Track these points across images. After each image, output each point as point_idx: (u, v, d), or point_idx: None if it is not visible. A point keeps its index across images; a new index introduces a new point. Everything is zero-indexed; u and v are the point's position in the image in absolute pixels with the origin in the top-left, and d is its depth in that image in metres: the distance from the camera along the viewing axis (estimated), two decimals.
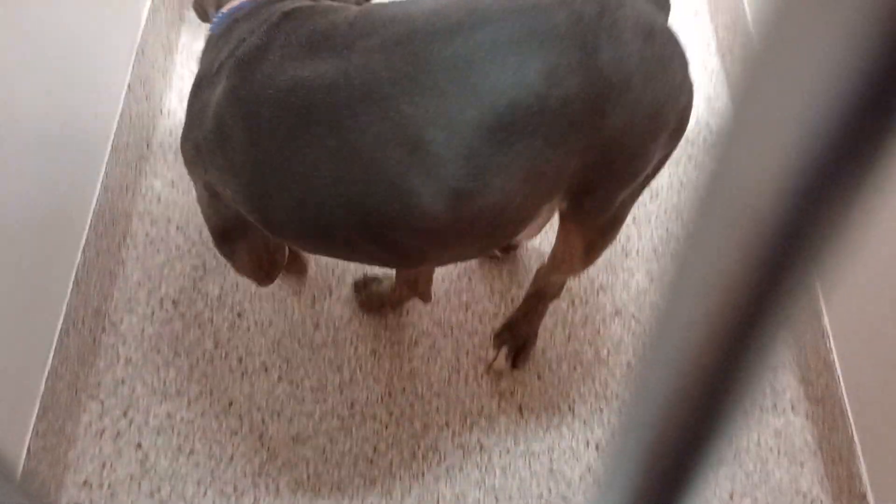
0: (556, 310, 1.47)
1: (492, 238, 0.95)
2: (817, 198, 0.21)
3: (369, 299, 1.45)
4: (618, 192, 1.01)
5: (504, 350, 1.39)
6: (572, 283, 1.50)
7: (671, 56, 0.93)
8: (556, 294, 1.33)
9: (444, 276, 1.50)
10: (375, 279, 1.45)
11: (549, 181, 0.91)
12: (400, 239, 0.90)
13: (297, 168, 0.89)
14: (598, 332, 1.46)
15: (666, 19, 0.99)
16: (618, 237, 1.55)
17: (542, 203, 0.96)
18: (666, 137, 0.99)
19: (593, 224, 1.08)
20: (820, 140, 0.20)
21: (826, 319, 1.32)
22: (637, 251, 1.54)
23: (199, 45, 1.81)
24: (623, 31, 0.88)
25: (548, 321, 1.45)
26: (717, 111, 1.72)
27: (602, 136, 0.90)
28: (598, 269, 1.52)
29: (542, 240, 1.52)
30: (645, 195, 1.60)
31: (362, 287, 1.45)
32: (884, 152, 0.20)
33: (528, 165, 0.87)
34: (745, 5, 1.70)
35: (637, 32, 0.89)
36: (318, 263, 1.51)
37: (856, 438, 1.24)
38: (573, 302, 1.48)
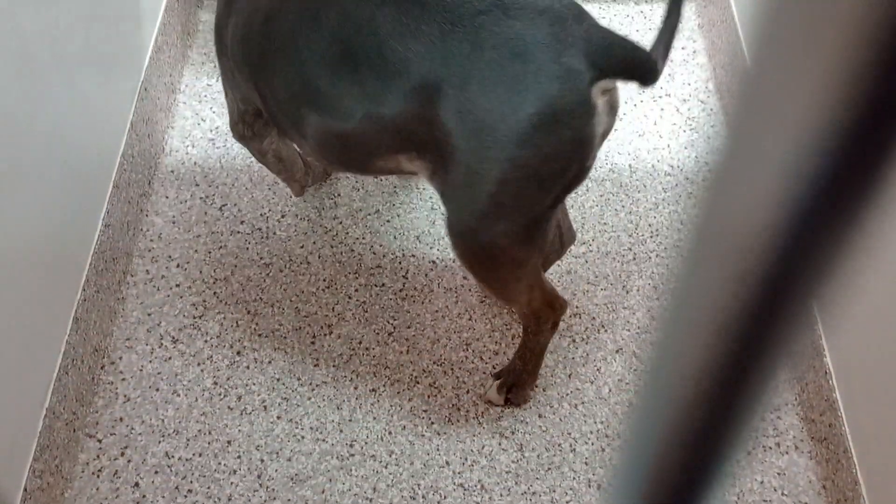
0: (557, 348, 1.46)
1: (347, 158, 1.15)
2: (814, 233, 0.21)
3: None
4: (465, 204, 1.07)
5: (496, 383, 1.39)
6: (573, 321, 1.50)
7: (510, 66, 0.98)
8: (534, 329, 1.29)
9: (445, 314, 1.50)
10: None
11: (388, 133, 1.07)
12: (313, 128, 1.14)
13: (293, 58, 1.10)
14: (599, 370, 1.45)
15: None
16: (618, 274, 1.54)
17: (386, 148, 1.10)
18: (519, 165, 1.01)
19: (467, 247, 1.13)
20: (815, 176, 0.20)
21: (828, 357, 1.32)
22: (637, 289, 1.54)
23: (202, 83, 1.82)
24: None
25: (548, 359, 1.45)
26: (717, 150, 1.73)
27: (434, 126, 1.03)
28: (599, 307, 1.51)
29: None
30: (645, 232, 1.61)
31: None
32: (880, 188, 0.20)
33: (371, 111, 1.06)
34: (743, 45, 1.72)
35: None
36: (319, 302, 1.51)
37: (860, 478, 1.22)
38: (574, 340, 1.48)
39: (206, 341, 1.47)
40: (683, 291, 0.27)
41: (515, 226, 1.07)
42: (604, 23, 1.97)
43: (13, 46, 1.16)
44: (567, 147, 1.00)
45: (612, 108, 1.05)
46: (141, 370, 1.43)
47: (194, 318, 1.49)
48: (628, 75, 1.01)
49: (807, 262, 0.22)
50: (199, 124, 1.77)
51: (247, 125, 1.37)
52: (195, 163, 1.70)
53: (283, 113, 1.17)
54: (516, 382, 1.38)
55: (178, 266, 1.56)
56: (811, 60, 0.19)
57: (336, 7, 1.06)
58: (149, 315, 1.50)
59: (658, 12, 1.97)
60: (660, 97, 1.82)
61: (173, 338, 1.47)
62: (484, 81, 0.98)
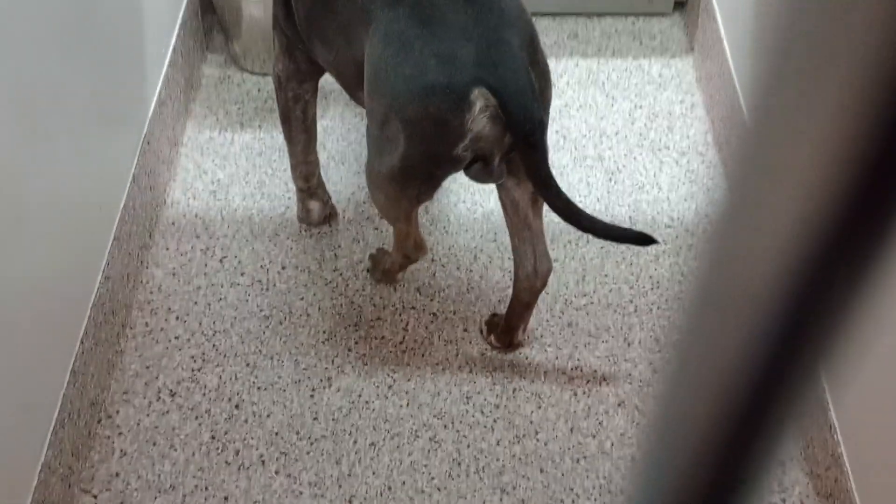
0: (559, 401, 1.45)
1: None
2: (818, 289, 0.20)
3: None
4: (368, 138, 1.33)
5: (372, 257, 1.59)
6: (574, 374, 1.49)
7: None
8: (392, 248, 1.50)
9: (445, 367, 1.49)
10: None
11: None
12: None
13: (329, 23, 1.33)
14: (602, 423, 1.43)
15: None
16: (620, 326, 1.54)
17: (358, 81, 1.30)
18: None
19: (366, 171, 1.40)
20: (817, 231, 0.20)
21: (833, 412, 1.31)
22: (639, 341, 1.53)
23: (205, 136, 1.84)
24: None
25: (549, 413, 1.43)
26: (717, 204, 1.74)
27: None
28: (601, 360, 1.50)
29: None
30: (646, 284, 1.60)
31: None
32: (884, 243, 0.20)
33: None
34: (741, 99, 1.73)
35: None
36: (318, 355, 1.50)
37: None
38: (575, 393, 1.47)
39: (204, 394, 1.46)
40: (686, 347, 0.26)
41: (387, 169, 1.25)
42: (595, 35, 2.00)
43: (17, 97, 1.17)
44: (434, 115, 1.16)
45: (493, 120, 1.17)
46: (138, 424, 1.42)
47: (193, 370, 1.48)
48: (506, 112, 1.15)
49: (810, 318, 0.22)
50: (200, 176, 1.78)
51: (291, 60, 1.50)
52: (196, 215, 1.71)
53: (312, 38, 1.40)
54: (376, 264, 1.58)
55: (177, 318, 1.55)
56: (809, 115, 0.19)
57: None
58: (147, 368, 1.49)
59: (655, 28, 2.00)
60: (659, 150, 1.83)
61: (171, 391, 1.46)
62: (398, 39, 1.17)
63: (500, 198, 1.40)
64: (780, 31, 0.20)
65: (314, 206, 1.66)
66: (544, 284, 1.43)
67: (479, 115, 1.16)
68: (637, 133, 1.86)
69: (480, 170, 1.24)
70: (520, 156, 1.21)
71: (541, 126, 1.18)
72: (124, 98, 1.57)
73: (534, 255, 1.41)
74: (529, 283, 1.43)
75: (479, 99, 1.15)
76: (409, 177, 1.26)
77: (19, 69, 1.17)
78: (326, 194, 1.67)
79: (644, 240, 1.32)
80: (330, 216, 1.69)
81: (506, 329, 1.48)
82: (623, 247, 1.66)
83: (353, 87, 1.37)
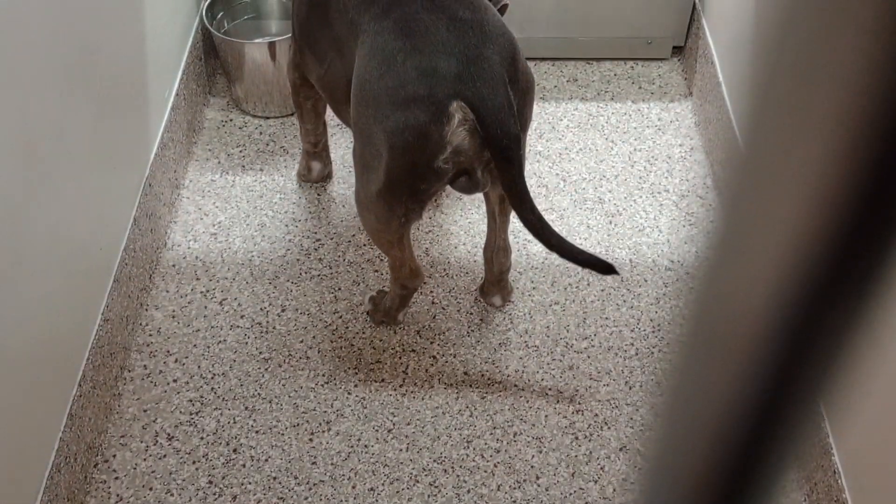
0: (560, 446, 1.44)
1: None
2: (816, 327, 0.20)
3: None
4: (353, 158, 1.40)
5: (372, 294, 1.61)
6: (576, 418, 1.47)
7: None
8: (391, 280, 1.53)
9: (445, 411, 1.48)
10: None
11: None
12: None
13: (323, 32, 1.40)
14: (603, 468, 1.42)
15: None
16: (621, 370, 1.53)
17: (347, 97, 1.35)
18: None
19: (355, 196, 1.46)
20: (815, 268, 0.19)
21: (836, 456, 1.29)
22: (641, 385, 1.52)
23: (206, 179, 1.85)
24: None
25: (550, 457, 1.42)
26: (712, 239, 1.73)
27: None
28: (602, 404, 1.49)
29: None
30: (647, 327, 1.60)
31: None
32: (881, 282, 0.20)
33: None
34: (740, 142, 1.74)
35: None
36: (318, 398, 1.49)
37: None
38: (577, 437, 1.45)
39: (202, 438, 1.44)
40: (681, 386, 0.26)
41: (374, 185, 1.28)
42: (594, 80, 2.01)
43: (19, 138, 1.18)
44: (415, 126, 1.18)
45: (472, 134, 1.20)
46: (135, 468, 1.40)
47: (191, 414, 1.47)
48: (483, 126, 1.18)
49: (807, 355, 0.21)
50: (201, 219, 1.78)
51: (303, 68, 1.59)
52: (196, 257, 1.71)
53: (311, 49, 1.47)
54: (376, 305, 1.58)
55: (175, 361, 1.54)
56: (801, 149, 0.19)
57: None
58: (144, 411, 1.47)
59: (654, 72, 2.01)
60: (659, 193, 1.83)
61: (169, 435, 1.44)
62: (382, 52, 1.21)
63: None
64: (773, 68, 0.20)
65: (316, 165, 1.81)
66: (501, 274, 1.57)
67: (458, 128, 1.19)
68: (637, 176, 1.87)
69: (465, 182, 1.28)
70: (496, 169, 1.23)
71: (517, 141, 1.21)
72: (127, 140, 1.58)
73: (493, 246, 1.53)
74: (490, 265, 1.56)
75: (458, 112, 1.18)
76: (395, 192, 1.28)
77: (22, 110, 1.18)
78: (328, 157, 1.82)
79: (606, 269, 1.32)
80: (327, 176, 1.84)
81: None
82: (624, 290, 1.65)
83: (341, 102, 1.40)
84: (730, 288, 0.25)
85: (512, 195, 1.25)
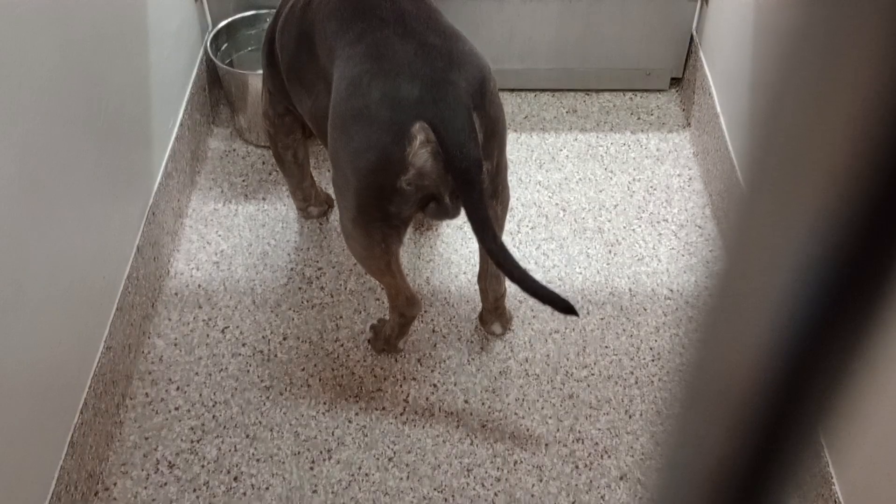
0: (560, 474, 1.44)
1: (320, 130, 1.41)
2: (816, 359, 0.21)
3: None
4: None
5: (373, 323, 1.62)
6: (576, 447, 1.47)
7: None
8: (389, 308, 1.53)
9: (446, 439, 1.48)
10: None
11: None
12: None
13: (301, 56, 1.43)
14: (604, 497, 1.42)
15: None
16: (621, 398, 1.53)
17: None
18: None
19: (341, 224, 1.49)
20: (815, 301, 0.20)
21: (837, 486, 1.29)
22: (640, 413, 1.52)
23: (209, 208, 1.86)
24: None
25: (551, 486, 1.42)
26: (713, 275, 1.74)
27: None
28: (602, 432, 1.49)
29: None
30: (647, 356, 1.60)
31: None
32: (881, 314, 0.20)
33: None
34: (738, 173, 1.76)
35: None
36: (319, 426, 1.49)
37: None
38: (577, 466, 1.45)
39: (202, 466, 1.44)
40: (684, 417, 0.27)
41: (349, 211, 1.30)
42: (593, 110, 2.03)
43: (25, 168, 1.19)
44: (377, 146, 1.20)
45: (435, 156, 1.20)
46: (135, 497, 1.40)
47: (192, 442, 1.47)
48: (444, 149, 1.19)
49: (810, 389, 0.22)
50: (204, 247, 1.79)
51: (276, 114, 1.65)
52: (199, 285, 1.72)
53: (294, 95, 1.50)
54: (377, 334, 1.60)
55: (177, 389, 1.55)
56: (802, 184, 0.20)
57: (312, 11, 1.38)
58: (146, 439, 1.48)
59: (653, 103, 2.03)
60: (658, 222, 1.85)
61: (170, 463, 1.45)
62: (351, 74, 1.23)
63: None
64: (774, 103, 0.20)
65: (313, 209, 1.85)
66: (497, 301, 1.57)
67: (420, 150, 1.20)
68: (636, 206, 1.89)
69: (435, 208, 1.29)
70: (459, 193, 1.23)
71: (477, 165, 1.20)
72: (131, 170, 1.59)
73: (487, 273, 1.53)
74: (485, 293, 1.57)
75: (420, 133, 1.19)
76: (367, 216, 1.29)
77: (26, 139, 1.20)
78: (323, 197, 1.85)
79: (567, 308, 1.30)
80: (328, 210, 1.86)
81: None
82: (623, 319, 1.66)
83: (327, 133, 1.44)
84: (731, 320, 0.26)
85: (473, 221, 1.24)
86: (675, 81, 2.18)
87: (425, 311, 1.67)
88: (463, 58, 1.24)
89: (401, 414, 1.52)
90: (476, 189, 1.21)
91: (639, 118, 2.11)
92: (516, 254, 1.77)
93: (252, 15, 2.04)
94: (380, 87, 1.20)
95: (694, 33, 2.08)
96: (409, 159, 1.20)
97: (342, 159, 1.26)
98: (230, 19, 2.03)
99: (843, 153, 0.19)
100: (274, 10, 1.58)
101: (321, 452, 1.46)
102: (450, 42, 1.25)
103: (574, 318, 1.66)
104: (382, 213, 1.28)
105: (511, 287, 1.58)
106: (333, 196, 1.86)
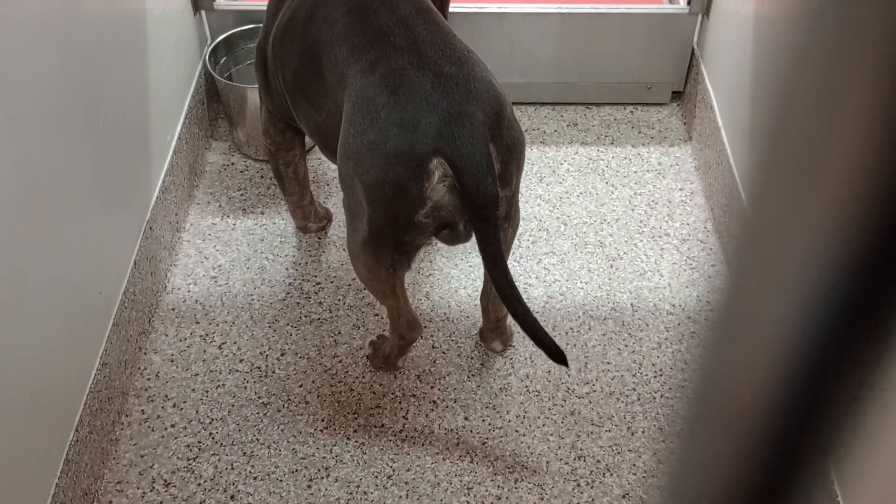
0: (561, 493, 1.42)
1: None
2: (824, 382, 0.20)
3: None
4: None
5: (373, 339, 1.61)
6: (577, 465, 1.45)
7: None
8: (390, 330, 1.52)
9: (446, 457, 1.46)
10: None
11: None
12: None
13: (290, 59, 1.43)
14: None
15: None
16: (623, 415, 1.51)
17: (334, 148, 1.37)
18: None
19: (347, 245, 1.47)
20: (821, 321, 0.19)
21: None
22: (643, 430, 1.51)
23: (207, 222, 1.85)
24: None
25: None
26: (717, 289, 1.73)
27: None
28: (604, 450, 1.47)
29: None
30: (648, 372, 1.59)
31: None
32: (889, 334, 0.19)
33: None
34: (740, 187, 1.75)
35: None
36: (317, 443, 1.48)
37: None
38: (578, 484, 1.43)
39: (199, 485, 1.42)
40: (690, 438, 0.26)
41: (359, 235, 1.29)
42: (594, 124, 2.02)
43: (22, 182, 1.18)
44: (394, 181, 1.18)
45: (452, 191, 1.19)
46: None
47: (188, 459, 1.45)
48: (461, 184, 1.18)
49: (820, 415, 0.21)
50: (202, 262, 1.78)
51: (277, 131, 1.63)
52: (196, 300, 1.70)
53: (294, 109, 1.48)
54: (376, 351, 1.58)
55: (174, 406, 1.53)
56: (807, 203, 0.19)
57: (316, 30, 1.36)
58: (142, 457, 1.46)
59: (654, 117, 2.02)
60: (659, 237, 1.84)
61: (165, 481, 1.43)
62: (366, 106, 1.22)
63: None
64: (776, 120, 0.20)
65: (312, 225, 1.84)
66: (499, 321, 1.56)
67: (438, 185, 1.18)
68: (637, 220, 1.87)
69: (448, 235, 1.28)
70: (473, 228, 1.22)
71: (493, 200, 1.19)
72: (128, 184, 1.58)
73: (489, 294, 1.52)
74: (487, 312, 1.55)
75: (438, 168, 1.18)
76: (380, 244, 1.28)
77: (25, 153, 1.19)
78: (321, 212, 1.84)
79: (559, 358, 1.29)
80: (327, 224, 1.85)
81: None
82: (625, 334, 1.65)
83: (335, 152, 1.41)
84: (736, 341, 0.24)
85: (486, 256, 1.23)
86: (677, 95, 2.17)
87: (425, 327, 1.65)
88: (480, 87, 1.22)
89: (400, 431, 1.50)
90: (491, 224, 1.20)
91: (640, 132, 2.10)
92: (517, 269, 1.76)
93: (251, 28, 2.04)
94: (396, 120, 1.18)
95: (695, 47, 2.08)
96: (426, 194, 1.19)
97: (357, 190, 1.24)
98: (229, 33, 2.02)
99: (849, 169, 0.18)
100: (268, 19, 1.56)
101: (319, 470, 1.44)
102: (466, 69, 1.23)
103: (575, 335, 1.64)
104: (396, 242, 1.27)
105: None
106: (333, 211, 1.86)
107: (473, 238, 1.27)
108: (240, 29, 2.03)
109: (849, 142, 0.18)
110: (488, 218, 1.19)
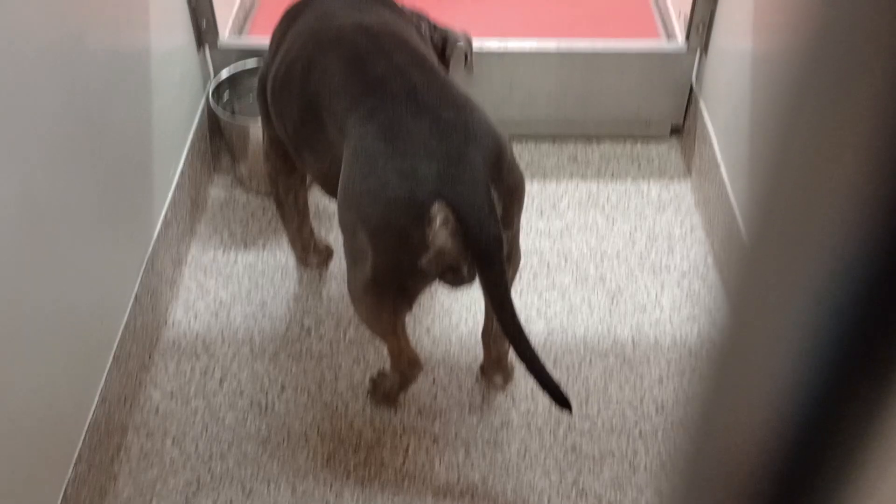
0: None
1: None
2: (820, 419, 0.20)
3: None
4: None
5: (374, 376, 1.60)
6: (579, 502, 1.44)
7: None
8: (390, 367, 1.52)
9: (447, 493, 1.45)
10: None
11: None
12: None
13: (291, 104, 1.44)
14: None
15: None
16: (625, 451, 1.51)
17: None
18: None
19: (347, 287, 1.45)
20: (822, 362, 0.19)
21: None
22: (645, 466, 1.50)
23: (209, 256, 1.85)
24: None
25: None
26: (718, 325, 1.73)
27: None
28: (605, 486, 1.46)
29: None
30: (650, 407, 1.58)
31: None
32: (889, 375, 0.19)
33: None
34: (740, 222, 1.75)
35: None
36: (317, 479, 1.47)
37: None
38: None
39: None
40: (690, 474, 0.26)
41: (362, 280, 1.29)
42: (594, 159, 2.03)
43: (25, 216, 1.18)
44: (396, 227, 1.19)
45: (454, 235, 1.18)
46: None
47: (187, 496, 1.44)
48: (464, 228, 1.17)
49: (823, 459, 0.21)
50: (203, 296, 1.78)
51: (278, 156, 1.63)
52: (197, 335, 1.70)
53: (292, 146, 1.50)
54: (377, 386, 1.58)
55: (173, 441, 1.52)
56: (806, 238, 0.19)
57: (315, 82, 1.37)
58: (140, 493, 1.45)
59: (653, 152, 2.03)
60: (660, 271, 1.84)
61: None
62: (365, 154, 1.22)
63: None
64: (775, 154, 0.20)
65: (312, 259, 1.83)
66: (500, 358, 1.57)
67: (440, 229, 1.18)
68: (638, 254, 1.88)
69: (452, 278, 1.26)
70: (478, 271, 1.21)
71: (498, 243, 1.18)
72: (131, 218, 1.59)
73: (491, 331, 1.52)
74: (488, 349, 1.56)
75: (440, 213, 1.17)
76: (382, 288, 1.28)
77: (28, 187, 1.19)
78: (322, 247, 1.84)
79: (563, 402, 1.29)
80: (328, 258, 1.85)
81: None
82: (626, 369, 1.64)
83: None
84: (737, 389, 0.24)
85: (493, 298, 1.23)
86: (676, 130, 2.19)
87: (425, 362, 1.65)
88: (478, 131, 1.22)
89: (400, 466, 1.49)
90: (496, 266, 1.19)
91: (640, 167, 2.11)
92: (518, 303, 1.75)
93: (254, 65, 2.06)
94: (396, 167, 1.18)
95: (693, 83, 2.10)
96: (429, 239, 1.18)
97: (359, 236, 1.24)
98: (232, 69, 2.04)
99: (847, 204, 0.18)
100: (265, 65, 1.57)
101: None
102: (464, 114, 1.23)
103: (575, 370, 1.64)
104: (399, 287, 1.28)
105: None
106: (333, 246, 1.86)
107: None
108: (243, 64, 2.05)
109: (846, 176, 0.18)
110: (493, 261, 1.19)
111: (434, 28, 1.68)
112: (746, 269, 0.23)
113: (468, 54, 1.69)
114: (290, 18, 1.57)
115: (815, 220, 0.20)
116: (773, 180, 0.21)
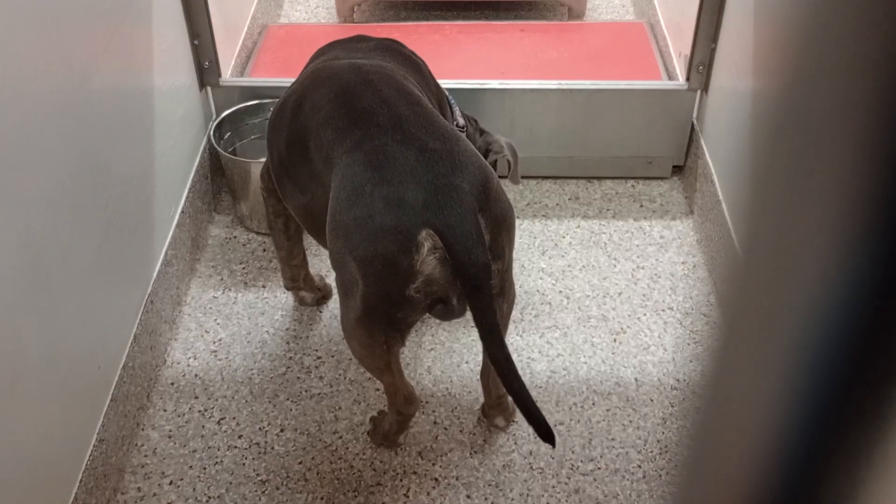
0: None
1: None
2: (823, 453, 0.19)
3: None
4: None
5: (374, 415, 1.59)
6: None
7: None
8: (388, 405, 1.50)
9: None
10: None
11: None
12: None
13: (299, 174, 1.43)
14: None
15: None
16: (629, 493, 1.48)
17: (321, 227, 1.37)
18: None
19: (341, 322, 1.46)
20: (816, 392, 0.19)
21: None
22: None
23: (209, 296, 1.84)
24: None
25: None
26: (711, 351, 1.71)
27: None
28: None
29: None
30: (654, 449, 1.56)
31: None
32: (885, 402, 0.19)
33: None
34: (741, 259, 1.74)
35: None
36: None
37: None
38: None
39: None
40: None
41: (353, 313, 1.28)
42: (596, 198, 2.03)
43: (26, 254, 1.18)
44: (384, 256, 1.18)
45: (443, 263, 1.18)
46: None
47: None
48: (452, 255, 1.17)
49: (814, 475, 0.20)
50: (202, 336, 1.77)
51: (272, 179, 1.61)
52: (196, 375, 1.69)
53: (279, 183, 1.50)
54: (377, 426, 1.57)
55: (170, 483, 1.50)
56: (799, 263, 0.19)
57: (304, 115, 1.38)
58: None
59: (655, 190, 2.03)
60: (662, 310, 1.83)
61: None
62: (351, 183, 1.22)
63: None
64: (774, 188, 0.20)
65: (306, 295, 1.83)
66: (500, 398, 1.56)
67: (428, 257, 1.17)
68: (640, 294, 1.87)
69: (442, 310, 1.26)
70: (467, 299, 1.21)
71: (486, 270, 1.18)
72: (131, 257, 1.58)
73: (489, 371, 1.50)
74: (488, 389, 1.55)
75: (427, 241, 1.17)
76: (373, 320, 1.27)
77: (29, 225, 1.19)
78: (315, 284, 1.82)
79: (547, 436, 1.28)
80: (325, 297, 1.84)
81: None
82: (630, 410, 1.62)
83: (321, 230, 1.39)
84: (730, 419, 0.24)
85: (481, 327, 1.21)
86: (677, 169, 2.19)
87: (426, 402, 1.63)
88: (465, 160, 1.23)
89: None
90: (485, 295, 1.19)
91: (641, 205, 2.11)
92: (520, 343, 1.74)
93: (255, 104, 2.07)
94: (383, 195, 1.19)
95: (694, 122, 2.10)
96: (416, 267, 1.18)
97: (348, 266, 1.24)
98: (234, 108, 2.05)
99: (837, 237, 0.18)
100: (276, 101, 1.58)
101: None
102: (450, 144, 1.24)
103: (578, 411, 1.62)
104: (389, 318, 1.26)
105: None
106: (332, 286, 1.85)
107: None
108: (244, 105, 2.06)
109: (836, 210, 0.18)
110: (482, 288, 1.18)
111: (481, 132, 1.70)
112: (740, 291, 0.23)
113: (511, 163, 1.69)
114: (310, 60, 1.62)
115: (804, 247, 0.20)
116: (764, 206, 0.21)
